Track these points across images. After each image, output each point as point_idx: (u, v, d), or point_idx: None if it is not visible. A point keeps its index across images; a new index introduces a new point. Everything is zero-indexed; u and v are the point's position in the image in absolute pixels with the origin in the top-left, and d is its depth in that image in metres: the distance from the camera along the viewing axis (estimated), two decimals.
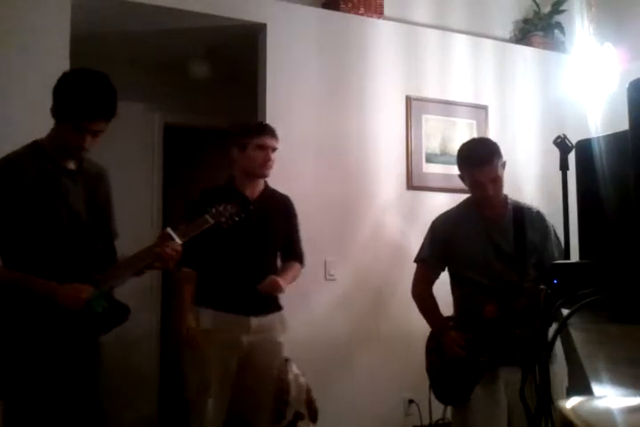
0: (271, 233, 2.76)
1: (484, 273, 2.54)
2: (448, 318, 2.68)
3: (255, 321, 2.64)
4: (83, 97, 2.02)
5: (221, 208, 2.29)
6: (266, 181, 2.83)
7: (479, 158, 2.49)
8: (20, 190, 1.98)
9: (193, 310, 2.64)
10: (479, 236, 2.57)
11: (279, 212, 2.80)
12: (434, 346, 2.66)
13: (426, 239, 2.73)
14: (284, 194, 2.87)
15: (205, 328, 2.61)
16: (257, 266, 2.68)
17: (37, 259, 1.98)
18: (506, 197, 2.63)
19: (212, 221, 2.25)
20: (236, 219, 2.32)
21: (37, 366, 1.94)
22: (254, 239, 2.69)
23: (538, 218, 2.60)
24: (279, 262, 2.85)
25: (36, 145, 2.08)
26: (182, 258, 2.62)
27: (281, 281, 2.61)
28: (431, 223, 2.75)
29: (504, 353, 2.43)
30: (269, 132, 2.73)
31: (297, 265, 2.82)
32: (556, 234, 2.58)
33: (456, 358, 2.51)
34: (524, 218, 2.57)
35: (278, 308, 2.75)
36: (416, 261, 2.75)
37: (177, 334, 2.64)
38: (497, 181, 2.51)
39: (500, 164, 2.52)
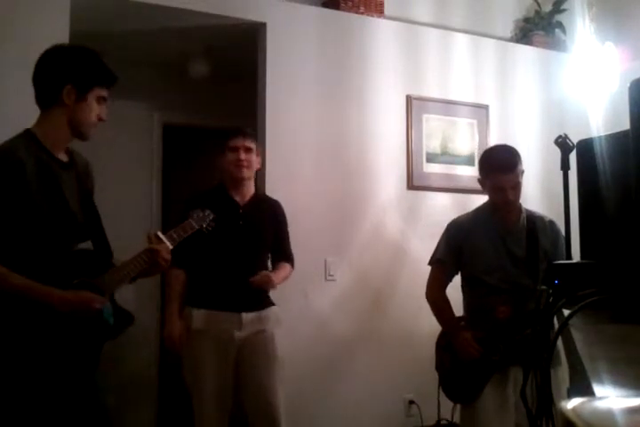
0: (259, 235, 2.83)
1: (497, 277, 2.61)
2: (459, 317, 2.72)
3: (247, 317, 2.71)
4: (99, 64, 1.99)
5: (202, 214, 2.34)
6: (257, 187, 2.92)
7: (503, 165, 2.58)
8: (22, 182, 1.85)
9: (182, 312, 2.72)
10: (493, 241, 2.64)
11: (267, 215, 2.88)
12: (444, 344, 2.70)
13: (440, 242, 2.77)
14: (275, 199, 2.95)
15: (198, 328, 2.68)
16: (246, 266, 2.75)
17: (33, 255, 1.87)
18: (520, 205, 2.71)
19: (196, 227, 2.29)
20: (214, 225, 2.37)
21: (41, 377, 1.85)
22: (242, 241, 2.76)
23: (550, 226, 2.69)
24: (269, 265, 2.91)
25: (29, 134, 1.94)
26: (172, 259, 2.65)
27: (273, 276, 2.73)
28: (446, 227, 2.79)
29: (515, 353, 2.48)
30: (240, 133, 2.83)
31: (287, 266, 2.91)
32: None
33: (468, 358, 2.55)
34: (536, 225, 2.66)
35: (270, 304, 2.81)
36: (431, 262, 2.78)
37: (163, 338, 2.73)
38: (517, 188, 2.59)
39: (520, 171, 2.60)
